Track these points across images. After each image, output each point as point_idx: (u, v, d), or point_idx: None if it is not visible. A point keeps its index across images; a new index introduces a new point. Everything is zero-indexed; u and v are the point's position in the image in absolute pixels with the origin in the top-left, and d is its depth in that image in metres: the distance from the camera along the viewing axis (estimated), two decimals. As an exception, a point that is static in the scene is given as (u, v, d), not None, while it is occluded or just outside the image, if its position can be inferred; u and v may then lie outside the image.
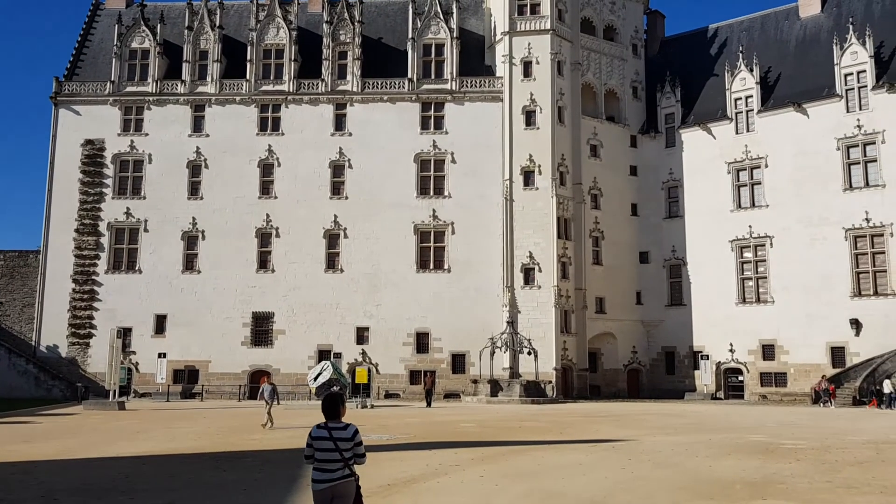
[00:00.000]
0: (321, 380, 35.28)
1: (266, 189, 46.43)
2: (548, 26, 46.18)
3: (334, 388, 35.69)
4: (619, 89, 49.66)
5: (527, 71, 46.13)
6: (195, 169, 46.81)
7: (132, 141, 46.99)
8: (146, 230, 46.27)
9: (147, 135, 47.11)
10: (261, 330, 45.01)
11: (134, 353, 44.68)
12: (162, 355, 43.19)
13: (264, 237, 45.97)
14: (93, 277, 45.80)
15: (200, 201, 46.38)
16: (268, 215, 45.89)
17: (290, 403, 38.65)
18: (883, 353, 38.14)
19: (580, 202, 46.37)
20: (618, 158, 48.69)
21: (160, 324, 45.23)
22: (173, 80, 47.70)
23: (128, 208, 46.43)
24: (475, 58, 48.47)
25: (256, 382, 44.32)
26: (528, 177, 45.26)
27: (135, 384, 44.05)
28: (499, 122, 46.07)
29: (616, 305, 47.12)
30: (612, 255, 47.42)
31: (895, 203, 39.48)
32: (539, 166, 45.05)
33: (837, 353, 40.51)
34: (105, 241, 46.20)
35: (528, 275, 44.29)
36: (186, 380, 44.40)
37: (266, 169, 46.59)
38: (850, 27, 42.01)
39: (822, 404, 36.84)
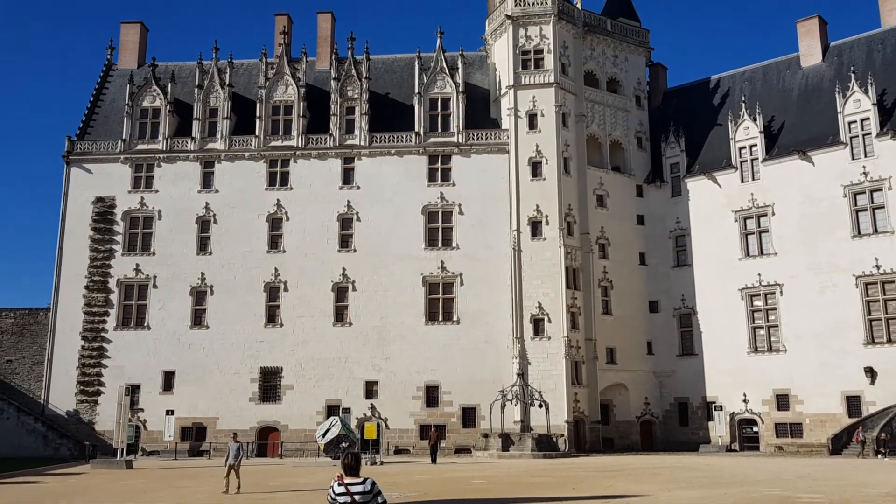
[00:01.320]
0: (329, 436, 34.81)
1: (275, 243, 46.66)
2: (552, 80, 46.86)
3: (343, 444, 35.24)
4: (624, 140, 50.08)
5: (532, 123, 46.66)
6: (204, 224, 47.16)
7: (142, 198, 47.49)
8: (155, 286, 46.43)
9: (157, 192, 47.62)
10: (269, 385, 44.72)
11: (142, 410, 44.38)
12: (170, 412, 42.86)
13: (272, 291, 46.02)
14: (102, 334, 45.81)
15: (209, 256, 46.61)
16: (276, 269, 46.02)
17: (300, 461, 38.19)
18: (900, 401, 37.52)
19: (588, 252, 46.38)
20: (624, 208, 48.84)
21: (168, 380, 45.04)
22: (183, 138, 48.42)
23: (137, 265, 46.67)
24: (481, 111, 49.12)
25: (265, 439, 44.02)
26: (535, 227, 45.39)
27: (143, 442, 43.60)
28: (505, 173, 46.41)
29: (627, 356, 46.71)
30: (621, 304, 47.20)
31: (905, 249, 39.31)
32: (546, 217, 45.19)
33: (853, 403, 39.86)
34: (114, 297, 46.34)
35: (538, 326, 44.06)
36: (194, 437, 43.98)
37: (275, 223, 46.90)
38: (853, 75, 42.45)
39: (861, 456, 35.63)
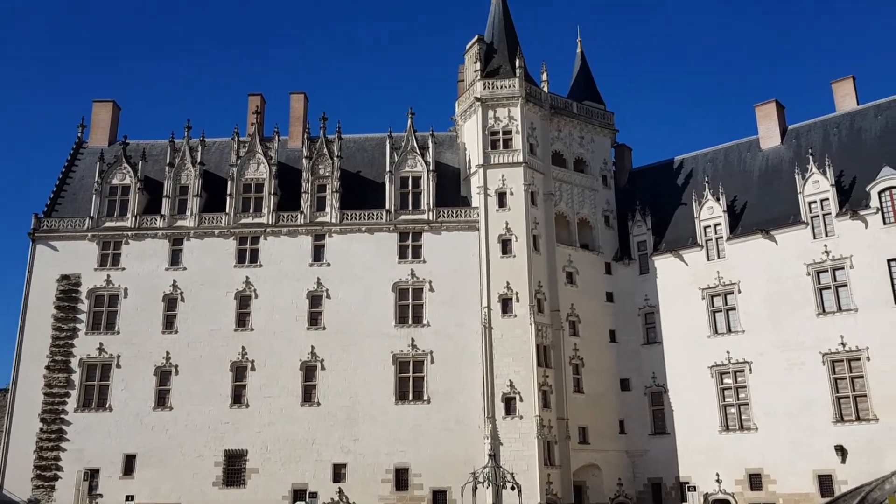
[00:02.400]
0: (296, 523, 33.78)
1: (242, 321, 46.06)
2: (520, 159, 47.75)
3: (310, 531, 34.15)
4: (592, 218, 50.86)
5: (501, 201, 47.26)
6: (171, 302, 46.52)
7: (108, 276, 46.85)
8: (119, 366, 45.37)
9: (124, 269, 47.05)
10: (233, 469, 43.36)
11: (101, 496, 42.67)
12: (130, 498, 41.40)
13: (239, 370, 45.18)
14: (61, 416, 44.41)
15: (175, 335, 45.81)
16: (243, 348, 45.31)
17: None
18: (871, 480, 37.33)
19: (559, 329, 46.41)
20: (594, 285, 49.22)
21: (129, 464, 43.53)
22: (152, 215, 48.19)
23: (101, 344, 45.68)
24: (451, 189, 49.70)
25: (228, 525, 42.41)
26: (505, 304, 45.43)
27: (99, 530, 41.82)
28: (475, 250, 46.69)
29: (599, 435, 46.28)
30: (592, 382, 47.02)
31: (869, 327, 39.89)
32: (517, 294, 45.33)
33: (825, 482, 39.65)
34: (76, 377, 45.12)
35: (509, 404, 43.62)
36: (155, 524, 42.32)
37: (243, 301, 46.42)
38: (811, 157, 43.83)
39: None
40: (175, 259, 47.31)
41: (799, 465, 40.46)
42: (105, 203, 48.55)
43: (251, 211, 48.19)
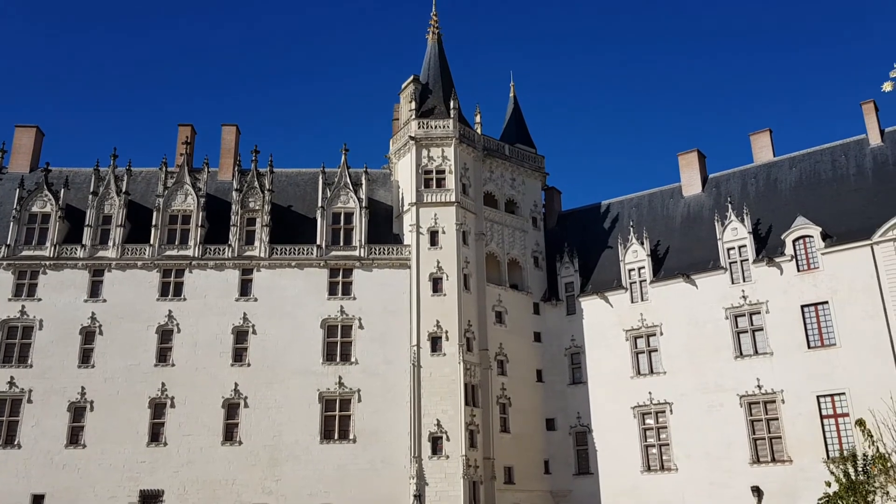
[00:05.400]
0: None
1: (163, 356, 44.72)
2: (453, 199, 48.24)
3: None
4: (522, 259, 51.60)
5: (433, 240, 47.53)
6: (89, 336, 44.87)
7: (23, 306, 44.95)
8: (30, 401, 43.34)
9: (40, 300, 45.23)
10: (148, 511, 41.73)
11: (3, 539, 40.42)
12: (35, 541, 39.23)
13: (158, 407, 43.70)
14: (-36, 454, 42.02)
15: (92, 369, 44.12)
16: (163, 384, 43.91)
17: None
18: (785, 520, 38.52)
19: (487, 368, 46.60)
20: (522, 325, 49.74)
21: (36, 505, 41.40)
22: (73, 245, 46.63)
23: (12, 377, 43.61)
24: (383, 226, 49.76)
25: (140, 570, 40.63)
26: (435, 343, 45.43)
27: (0, 576, 39.51)
28: (406, 288, 46.67)
29: (525, 475, 46.37)
30: (519, 422, 47.23)
31: (784, 371, 41.36)
32: (446, 332, 45.40)
33: (740, 522, 40.61)
34: (-18, 413, 42.89)
35: (436, 444, 43.38)
36: (61, 570, 40.19)
37: (165, 335, 45.11)
38: (730, 205, 45.61)
39: None
40: (95, 290, 45.77)
41: (717, 506, 41.28)
42: (23, 231, 46.77)
43: (177, 243, 47.13)
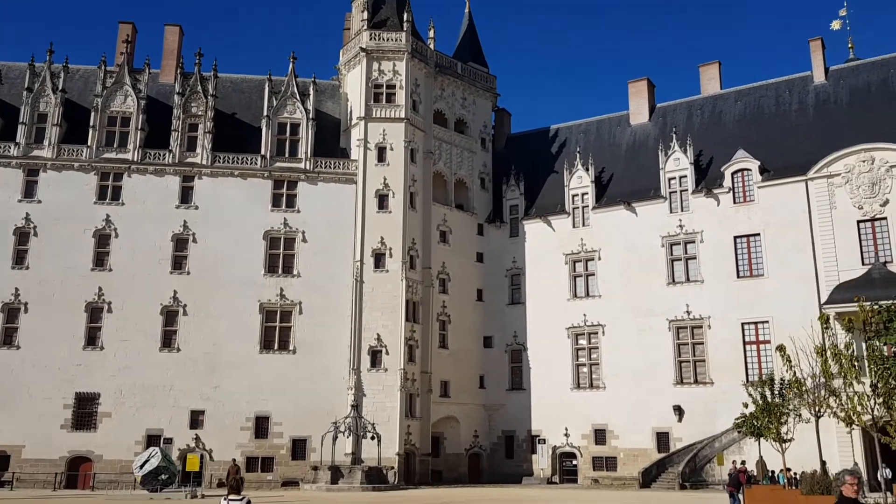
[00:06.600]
0: (148, 468, 33.19)
1: (101, 261, 44.00)
2: (402, 115, 47.71)
3: (162, 476, 33.67)
4: (468, 179, 51.73)
5: (381, 156, 47.18)
6: (23, 236, 43.75)
7: (-48, 204, 43.44)
8: (-40, 300, 42.41)
9: (-30, 198, 43.71)
10: (84, 412, 41.74)
11: (-66, 437, 40.12)
12: (-33, 440, 39.05)
13: (95, 312, 43.27)
14: None
15: (26, 271, 43.22)
16: (100, 288, 43.36)
17: (114, 493, 35.87)
18: (703, 438, 40.79)
19: (429, 286, 47.23)
20: (466, 245, 50.30)
21: (-32, 404, 41.06)
22: (6, 142, 44.84)
23: (-60, 276, 42.48)
24: (330, 139, 49.05)
25: (76, 470, 41.00)
26: (378, 259, 45.69)
27: (-69, 473, 39.38)
28: (352, 203, 46.49)
29: (460, 389, 47.79)
30: (457, 339, 48.32)
31: (712, 298, 43.03)
32: (390, 249, 45.65)
33: (662, 439, 42.89)
34: None
35: (376, 357, 44.20)
36: (-5, 467, 40.25)
37: (102, 239, 44.27)
38: (674, 136, 46.30)
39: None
40: (29, 191, 44.38)
41: (641, 423, 43.43)
42: (-50, 125, 44.74)
43: (115, 146, 45.75)
